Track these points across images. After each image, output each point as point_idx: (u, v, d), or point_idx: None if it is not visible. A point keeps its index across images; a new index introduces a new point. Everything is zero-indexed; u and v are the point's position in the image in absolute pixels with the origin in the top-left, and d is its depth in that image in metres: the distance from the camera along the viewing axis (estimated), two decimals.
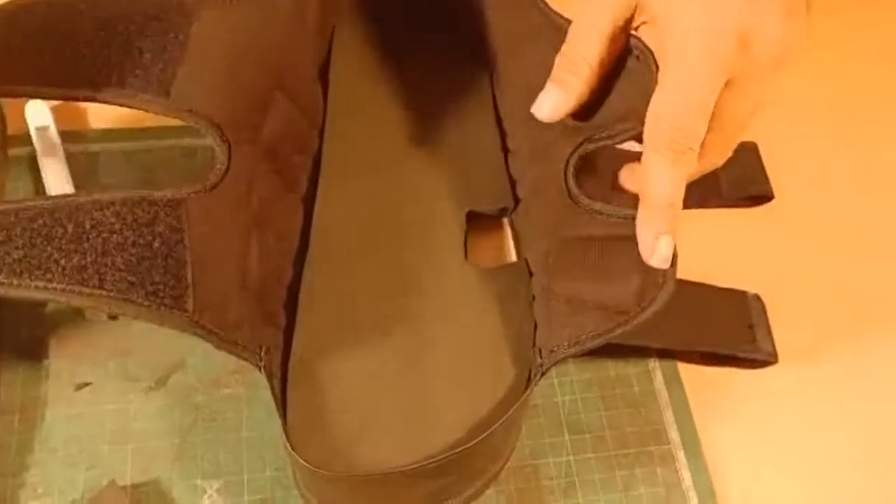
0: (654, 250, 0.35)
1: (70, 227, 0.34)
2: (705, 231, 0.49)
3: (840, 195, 0.53)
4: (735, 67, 0.35)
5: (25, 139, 0.48)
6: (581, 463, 0.42)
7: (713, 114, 0.35)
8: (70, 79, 0.37)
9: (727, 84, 0.35)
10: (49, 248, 0.33)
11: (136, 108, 0.38)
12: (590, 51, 0.37)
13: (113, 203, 0.35)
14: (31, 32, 0.38)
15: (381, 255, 0.44)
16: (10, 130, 0.48)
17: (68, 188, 0.46)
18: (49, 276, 0.33)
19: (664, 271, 0.36)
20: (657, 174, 0.35)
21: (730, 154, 0.39)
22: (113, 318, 0.44)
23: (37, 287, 0.32)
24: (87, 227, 0.34)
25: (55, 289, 0.33)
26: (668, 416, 0.43)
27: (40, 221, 0.33)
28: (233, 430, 0.42)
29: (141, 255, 0.34)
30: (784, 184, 0.51)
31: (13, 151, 0.48)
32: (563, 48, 0.38)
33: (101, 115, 0.50)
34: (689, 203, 0.50)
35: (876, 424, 0.44)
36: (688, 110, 0.35)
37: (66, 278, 0.33)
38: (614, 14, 0.37)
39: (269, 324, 0.40)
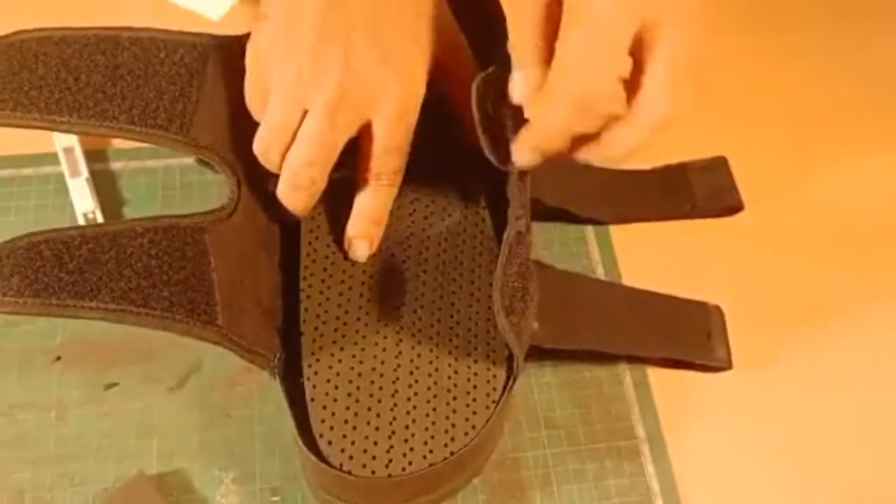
0: None
1: (113, 254, 0.38)
2: (675, 241, 0.53)
3: (801, 207, 0.56)
4: (646, 9, 0.34)
5: (53, 158, 0.52)
6: (556, 456, 0.46)
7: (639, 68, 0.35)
8: (88, 116, 0.41)
9: (644, 27, 0.34)
10: (98, 273, 0.37)
11: (155, 145, 0.42)
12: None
13: (147, 231, 0.39)
14: (41, 67, 0.41)
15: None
16: (39, 150, 0.52)
17: (93, 206, 0.50)
18: (101, 297, 0.37)
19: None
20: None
21: (684, 104, 0.36)
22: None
23: (90, 308, 0.37)
24: (128, 253, 0.38)
25: (107, 308, 0.37)
26: (635, 415, 0.48)
27: (86, 248, 0.38)
28: (246, 425, 0.45)
29: (177, 278, 0.39)
30: (750, 197, 0.55)
31: (42, 170, 0.52)
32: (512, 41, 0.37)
33: None
34: (663, 214, 0.54)
35: (823, 424, 0.48)
36: (594, 61, 0.34)
37: (117, 300, 0.37)
38: None
39: (278, 334, 0.43)
